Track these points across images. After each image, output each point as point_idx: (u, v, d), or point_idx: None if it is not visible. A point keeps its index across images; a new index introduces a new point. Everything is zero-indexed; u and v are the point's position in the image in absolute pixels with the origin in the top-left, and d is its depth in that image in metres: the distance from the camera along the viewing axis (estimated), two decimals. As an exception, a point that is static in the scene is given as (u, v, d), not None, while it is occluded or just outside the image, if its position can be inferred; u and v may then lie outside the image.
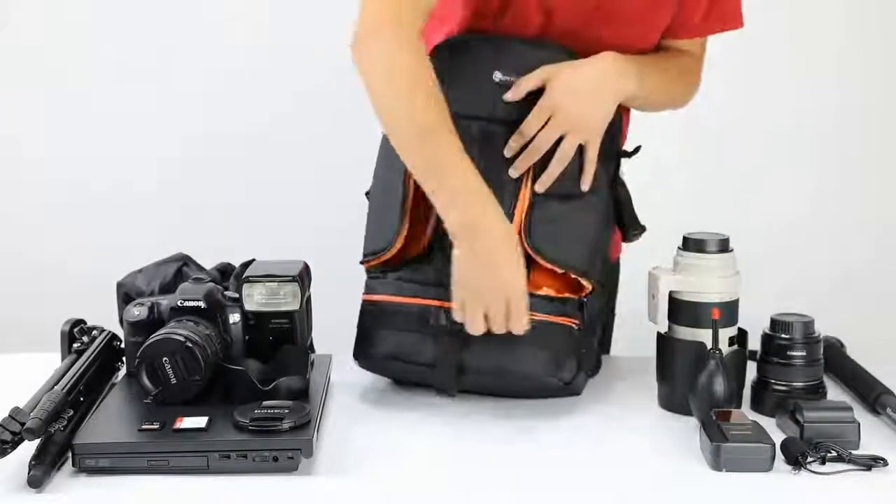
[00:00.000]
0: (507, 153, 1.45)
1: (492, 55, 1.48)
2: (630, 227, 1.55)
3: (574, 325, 1.45)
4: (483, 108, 1.47)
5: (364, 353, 1.49)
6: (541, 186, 1.45)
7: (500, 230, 1.40)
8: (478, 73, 1.48)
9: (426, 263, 1.47)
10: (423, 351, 1.45)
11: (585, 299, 1.48)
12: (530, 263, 1.43)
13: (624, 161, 1.56)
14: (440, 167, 1.40)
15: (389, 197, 1.48)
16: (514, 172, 1.45)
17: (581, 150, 1.46)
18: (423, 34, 1.44)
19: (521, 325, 1.40)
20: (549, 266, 1.45)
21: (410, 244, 1.49)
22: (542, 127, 1.44)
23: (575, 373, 1.46)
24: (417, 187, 1.44)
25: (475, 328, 1.40)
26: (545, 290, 1.45)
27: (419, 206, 1.47)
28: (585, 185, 1.47)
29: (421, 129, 1.39)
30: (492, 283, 1.39)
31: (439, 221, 1.43)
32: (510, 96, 1.46)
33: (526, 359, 1.43)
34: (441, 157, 1.39)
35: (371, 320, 1.48)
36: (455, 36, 1.52)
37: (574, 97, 1.45)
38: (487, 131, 1.47)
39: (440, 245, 1.45)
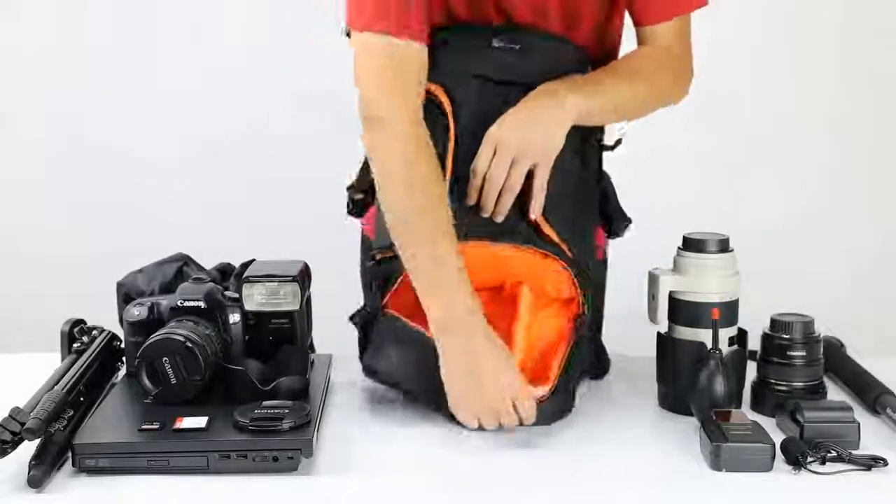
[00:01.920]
0: (469, 202, 1.42)
1: (488, 30, 1.49)
2: (616, 218, 1.55)
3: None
4: (483, 68, 1.48)
5: (373, 370, 1.45)
6: (499, 217, 1.42)
7: (480, 326, 1.35)
8: (477, 40, 1.49)
9: None
10: (426, 379, 1.39)
11: (582, 313, 1.44)
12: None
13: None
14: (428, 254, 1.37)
15: None
16: (484, 213, 1.42)
17: (531, 175, 1.42)
18: None
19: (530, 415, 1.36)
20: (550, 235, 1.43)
21: None
22: (492, 161, 1.41)
23: (581, 387, 1.46)
24: None
25: (489, 426, 1.37)
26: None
27: None
28: (534, 214, 1.43)
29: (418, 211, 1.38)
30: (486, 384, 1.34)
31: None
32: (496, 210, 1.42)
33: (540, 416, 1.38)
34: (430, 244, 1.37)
35: (378, 334, 1.44)
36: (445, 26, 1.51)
37: (515, 123, 1.41)
38: (486, 90, 1.47)
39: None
